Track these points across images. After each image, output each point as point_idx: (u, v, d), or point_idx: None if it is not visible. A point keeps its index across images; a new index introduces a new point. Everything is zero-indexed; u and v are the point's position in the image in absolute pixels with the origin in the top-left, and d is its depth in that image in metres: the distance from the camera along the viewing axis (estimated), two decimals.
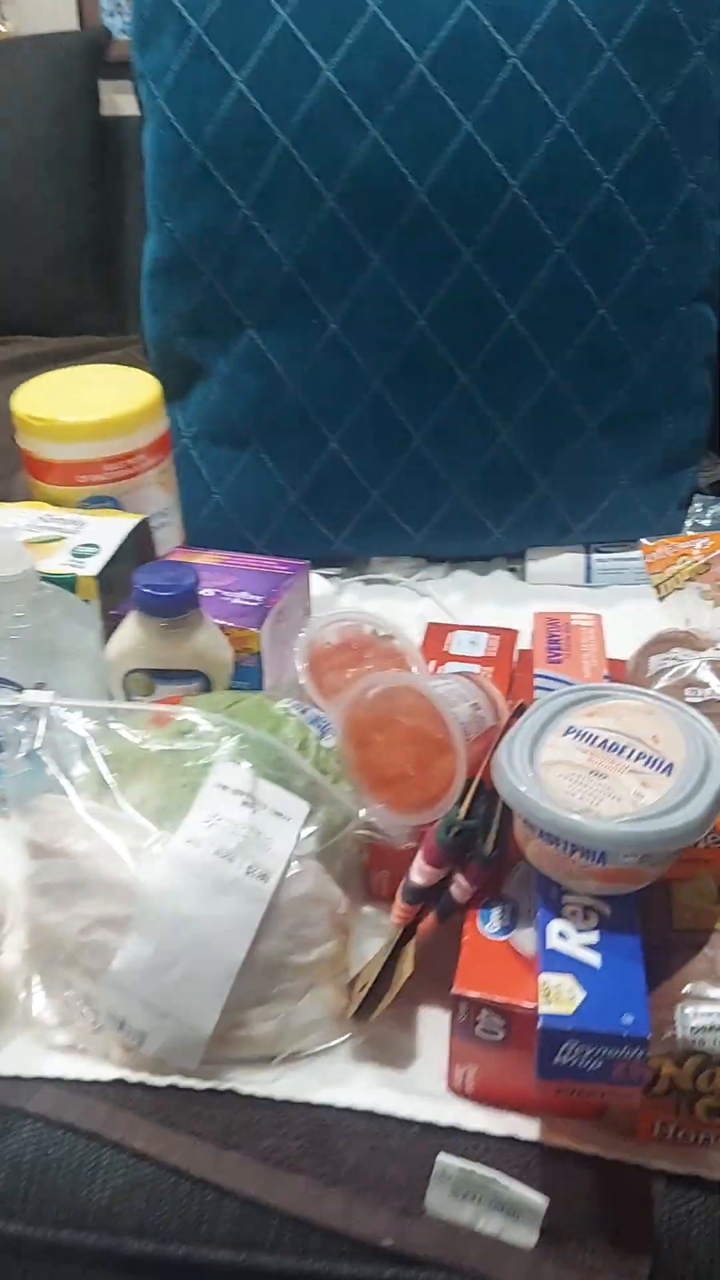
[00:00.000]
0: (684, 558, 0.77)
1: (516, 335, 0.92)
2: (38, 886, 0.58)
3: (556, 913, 0.51)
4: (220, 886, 0.54)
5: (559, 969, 0.49)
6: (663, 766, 0.52)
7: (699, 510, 0.98)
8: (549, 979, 0.48)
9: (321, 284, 0.92)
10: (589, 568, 1.00)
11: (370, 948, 0.61)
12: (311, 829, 0.58)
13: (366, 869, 0.65)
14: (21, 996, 0.59)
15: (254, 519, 0.99)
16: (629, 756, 0.53)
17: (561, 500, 0.98)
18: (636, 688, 0.57)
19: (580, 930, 0.50)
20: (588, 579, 1.00)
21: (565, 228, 0.89)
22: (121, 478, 0.83)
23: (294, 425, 0.95)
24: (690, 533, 0.93)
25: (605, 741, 0.53)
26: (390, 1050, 0.57)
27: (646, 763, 0.52)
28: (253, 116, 0.88)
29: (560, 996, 0.47)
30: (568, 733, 0.55)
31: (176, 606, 0.67)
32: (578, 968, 0.49)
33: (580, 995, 0.47)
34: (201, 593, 0.73)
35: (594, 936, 0.50)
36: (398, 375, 0.94)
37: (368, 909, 0.65)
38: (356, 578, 1.01)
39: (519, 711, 0.58)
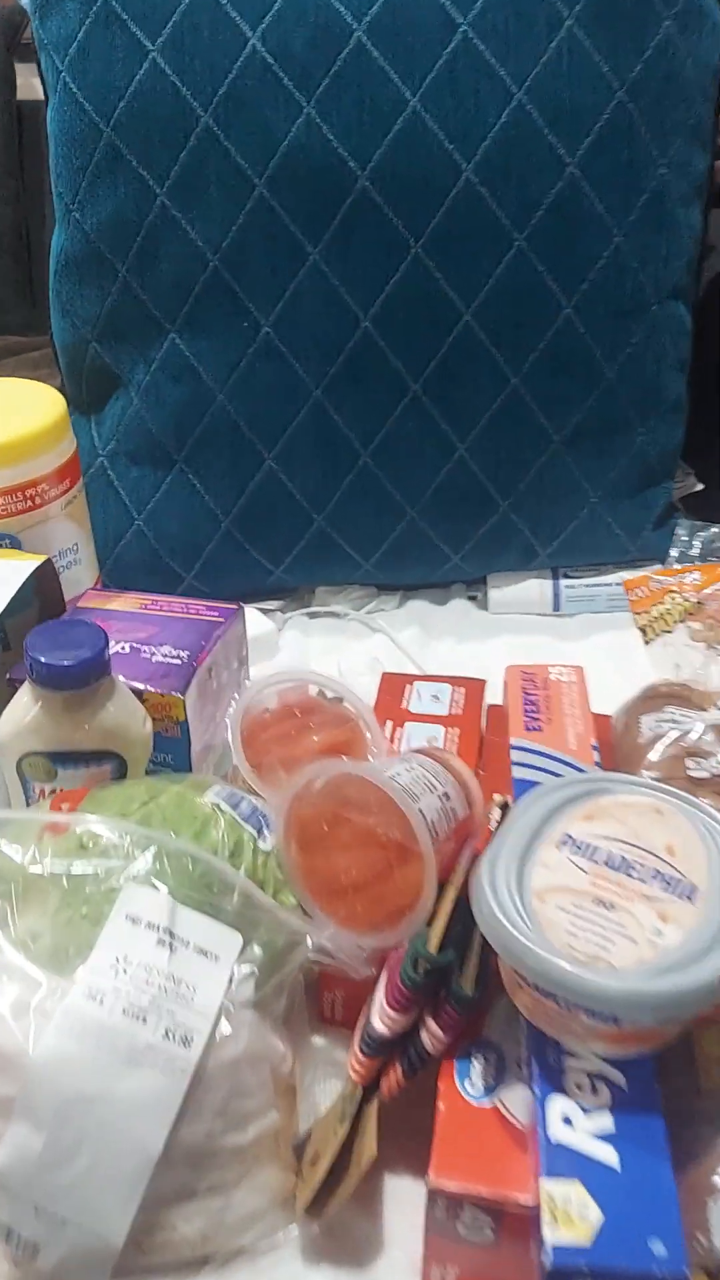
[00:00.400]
0: (672, 595, 0.67)
1: (473, 338, 0.81)
2: None
3: (557, 1085, 0.41)
4: (131, 1056, 0.43)
5: (566, 1172, 0.38)
6: (683, 890, 0.41)
7: (684, 538, 0.88)
8: (555, 1188, 0.37)
9: (252, 281, 0.81)
10: (557, 595, 0.90)
11: (322, 1092, 0.51)
12: (247, 969, 0.47)
13: (316, 990, 0.54)
14: None
15: (182, 549, 0.87)
16: (641, 877, 0.42)
17: (525, 521, 0.88)
18: (641, 780, 0.46)
19: (589, 1110, 0.40)
20: (556, 607, 0.90)
21: (524, 217, 0.79)
22: (21, 511, 0.71)
23: (225, 441, 0.84)
24: (677, 565, 0.83)
25: (611, 857, 0.43)
26: (350, 1242, 0.46)
27: (663, 885, 0.42)
28: (169, 91, 0.76)
29: (570, 1215, 0.36)
30: (564, 844, 0.44)
31: (80, 678, 0.55)
32: (590, 1170, 0.38)
33: (596, 1214, 0.36)
34: (114, 650, 0.62)
35: (607, 1121, 0.39)
36: (341, 383, 0.82)
37: (319, 1039, 0.54)
38: (299, 611, 0.90)
39: (502, 809, 0.48)
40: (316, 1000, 0.55)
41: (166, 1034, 0.43)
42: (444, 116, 0.77)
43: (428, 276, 0.80)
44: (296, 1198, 0.45)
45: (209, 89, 0.76)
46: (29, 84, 1.47)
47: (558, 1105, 0.40)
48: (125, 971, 0.44)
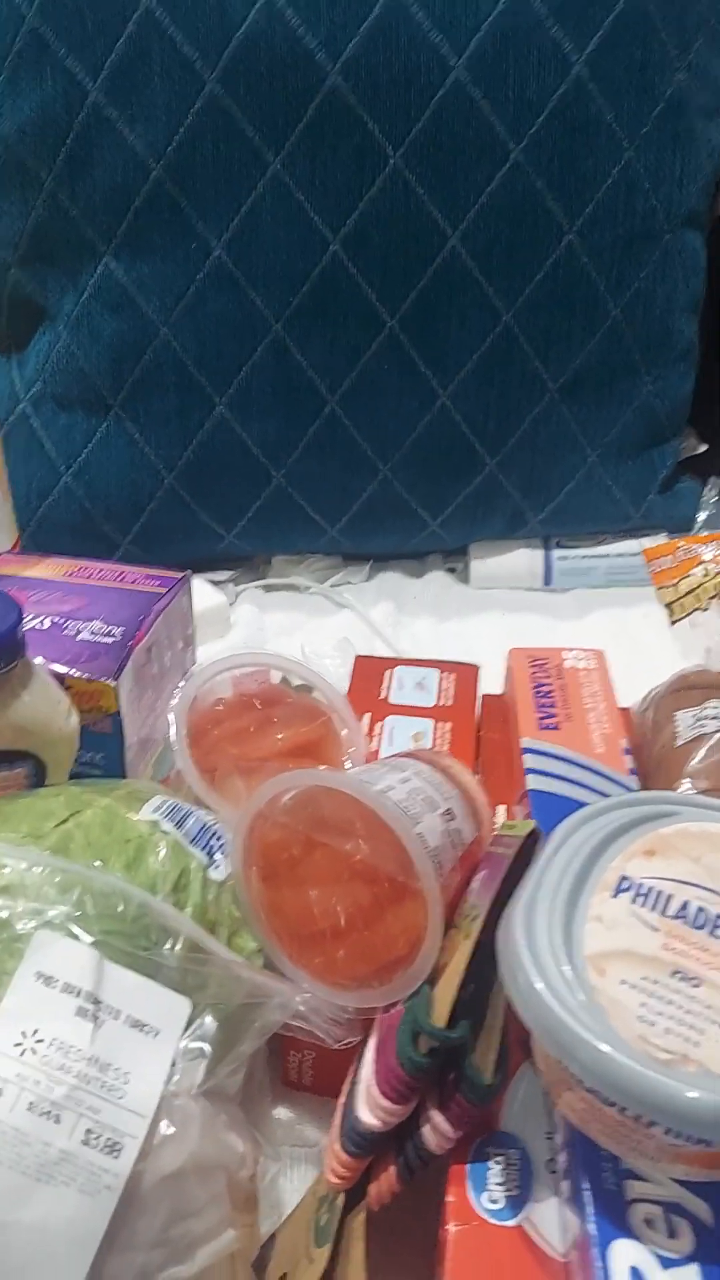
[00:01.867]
0: (700, 566, 0.57)
1: (459, 265, 0.70)
2: None
3: (621, 1224, 0.30)
4: (40, 1170, 0.32)
5: None
6: None
7: (714, 499, 0.77)
8: None
9: (200, 194, 0.69)
10: (549, 567, 0.80)
11: (288, 1182, 0.40)
12: (196, 1045, 0.36)
13: (280, 1050, 0.44)
14: None
15: (118, 509, 0.75)
16: None
17: (515, 482, 0.77)
18: (714, 803, 0.36)
19: (669, 1262, 0.29)
20: (547, 581, 0.80)
21: (522, 124, 0.68)
22: None
23: (169, 383, 0.72)
24: (705, 532, 0.73)
25: (688, 909, 0.32)
26: None
27: None
28: None
29: None
30: (622, 891, 0.33)
31: None
32: None
33: None
34: (30, 626, 0.51)
35: (693, 1276, 0.29)
36: (305, 317, 0.71)
37: (282, 1111, 0.44)
38: (254, 583, 0.79)
39: (530, 838, 0.37)
40: (280, 1062, 0.44)
41: (87, 1139, 0.32)
42: (429, 3, 0.65)
43: (408, 192, 0.69)
44: None
45: None
46: None
47: (624, 1254, 0.29)
48: (34, 1052, 0.33)
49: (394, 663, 0.59)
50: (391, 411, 0.74)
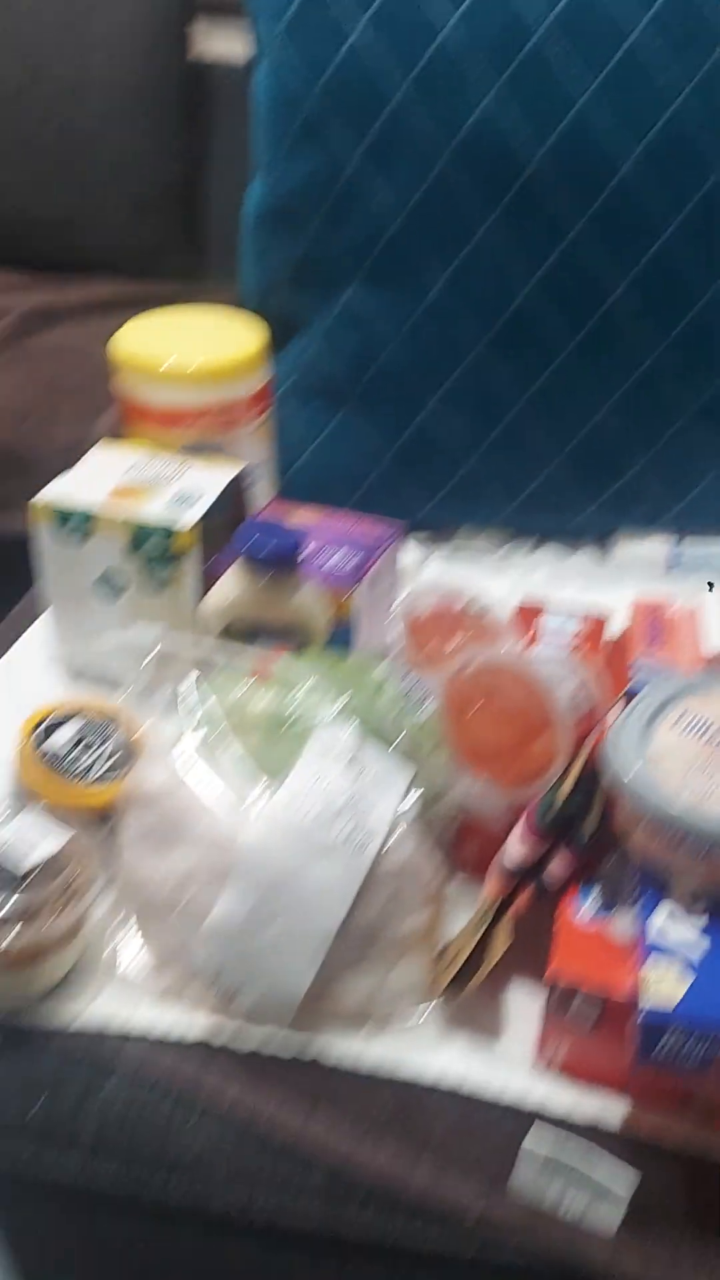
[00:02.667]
0: None
1: (621, 312, 0.90)
2: (136, 837, 0.58)
3: (660, 901, 0.51)
4: (320, 850, 0.54)
5: (662, 959, 0.48)
6: None
7: None
8: (651, 968, 0.48)
9: (428, 245, 0.91)
10: (676, 555, 0.98)
11: (457, 920, 0.61)
12: (412, 798, 0.57)
13: (455, 841, 0.65)
14: (110, 949, 0.59)
15: (345, 479, 0.98)
16: None
17: (656, 482, 0.96)
18: None
19: (686, 917, 0.50)
20: (674, 566, 0.99)
21: (676, 209, 0.87)
22: (221, 427, 0.82)
23: (392, 386, 0.94)
24: None
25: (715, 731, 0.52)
26: (479, 1022, 0.57)
27: None
28: (374, 62, 0.86)
29: (662, 987, 0.47)
30: (680, 722, 0.54)
31: (284, 562, 0.66)
32: (681, 955, 0.48)
33: (684, 985, 0.46)
34: None
35: (701, 922, 0.49)
36: (499, 343, 0.92)
37: (455, 883, 0.65)
38: (442, 547, 1.00)
39: (628, 697, 0.57)
40: (455, 852, 0.65)
41: (349, 837, 0.55)
42: (611, 112, 0.85)
43: (586, 255, 0.88)
44: (436, 982, 0.56)
45: (408, 64, 0.86)
46: (200, 43, 1.57)
47: (660, 913, 0.50)
48: (318, 788, 0.55)
49: (545, 609, 0.80)
50: (561, 420, 0.94)
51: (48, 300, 1.58)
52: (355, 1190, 0.51)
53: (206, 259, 1.63)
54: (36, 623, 0.87)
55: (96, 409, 1.32)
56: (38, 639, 0.85)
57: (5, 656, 0.84)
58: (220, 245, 1.57)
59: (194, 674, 0.61)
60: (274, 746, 0.58)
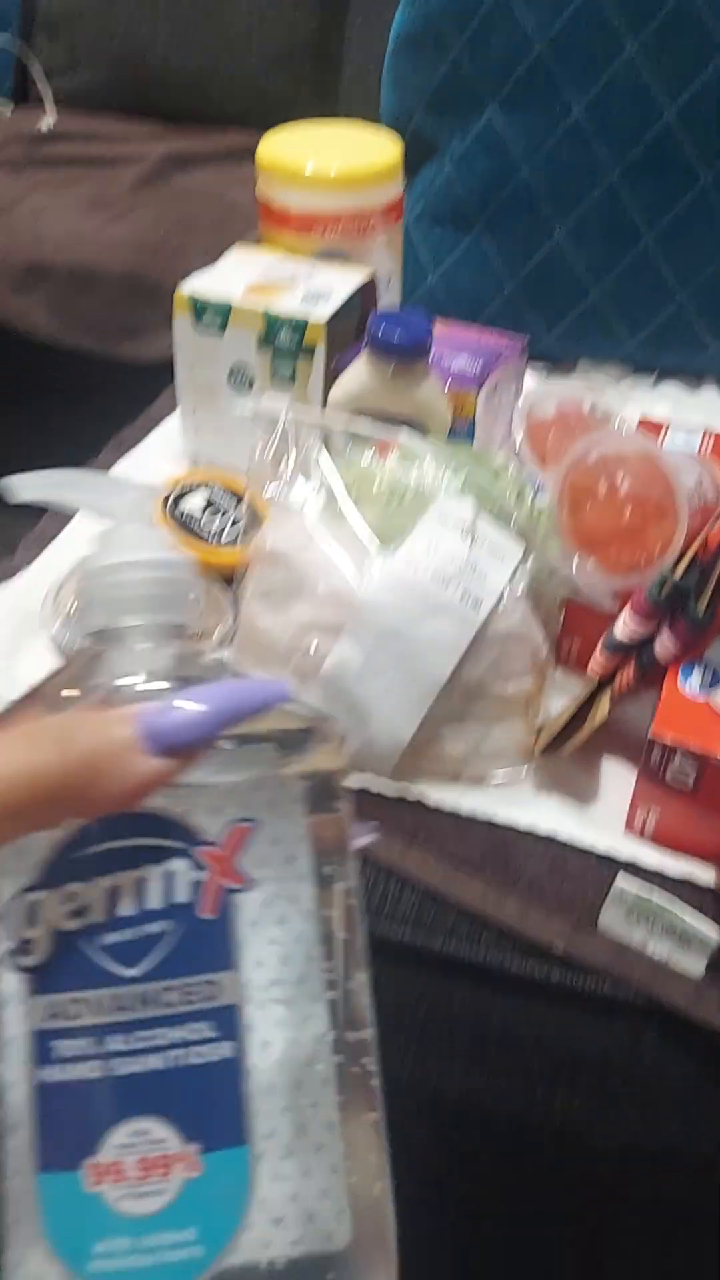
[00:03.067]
0: None
1: None
2: (259, 592, 0.61)
3: None
4: (433, 608, 0.56)
5: None
6: None
7: None
8: None
9: (571, 68, 0.89)
10: None
11: (557, 708, 0.63)
12: (524, 570, 0.59)
13: (561, 631, 0.67)
14: None
15: (467, 306, 0.98)
16: None
17: None
18: None
19: None
20: None
21: None
22: (355, 234, 0.83)
23: (521, 211, 0.93)
24: None
25: None
26: (573, 788, 0.59)
27: None
28: None
29: None
30: None
31: (412, 351, 0.67)
32: None
33: None
34: None
35: None
36: (637, 169, 0.90)
37: (557, 676, 0.67)
38: (563, 378, 1.00)
39: None
40: (556, 646, 0.67)
41: (462, 597, 0.57)
42: None
43: None
44: (535, 745, 0.59)
45: None
46: None
47: None
48: (435, 551, 0.58)
49: (667, 426, 0.80)
50: (696, 251, 0.92)
51: (184, 147, 1.60)
52: (444, 917, 0.54)
53: (337, 114, 1.62)
54: (167, 421, 0.90)
55: (224, 246, 1.34)
56: (168, 435, 0.88)
57: (137, 450, 0.87)
58: (353, 100, 1.56)
59: (319, 446, 0.63)
60: (393, 517, 0.60)
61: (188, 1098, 0.23)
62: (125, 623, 0.26)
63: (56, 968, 0.23)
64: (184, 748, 0.22)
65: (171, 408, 0.95)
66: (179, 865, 0.24)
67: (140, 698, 0.23)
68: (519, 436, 0.70)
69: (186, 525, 0.65)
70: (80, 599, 0.26)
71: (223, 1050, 0.24)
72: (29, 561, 0.75)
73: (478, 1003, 0.54)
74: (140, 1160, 0.23)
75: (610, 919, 0.53)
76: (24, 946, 0.23)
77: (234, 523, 0.66)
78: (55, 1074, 0.23)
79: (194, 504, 0.67)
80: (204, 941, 0.24)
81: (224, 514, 0.67)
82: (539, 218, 0.93)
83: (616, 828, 0.58)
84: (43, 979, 0.23)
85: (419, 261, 0.98)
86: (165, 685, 0.25)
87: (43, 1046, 0.23)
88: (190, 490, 0.68)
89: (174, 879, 0.24)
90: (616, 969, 0.52)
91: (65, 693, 0.25)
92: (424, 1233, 0.67)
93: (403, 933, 0.54)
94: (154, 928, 0.24)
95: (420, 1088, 0.55)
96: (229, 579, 0.64)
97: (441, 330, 0.81)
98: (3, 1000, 0.23)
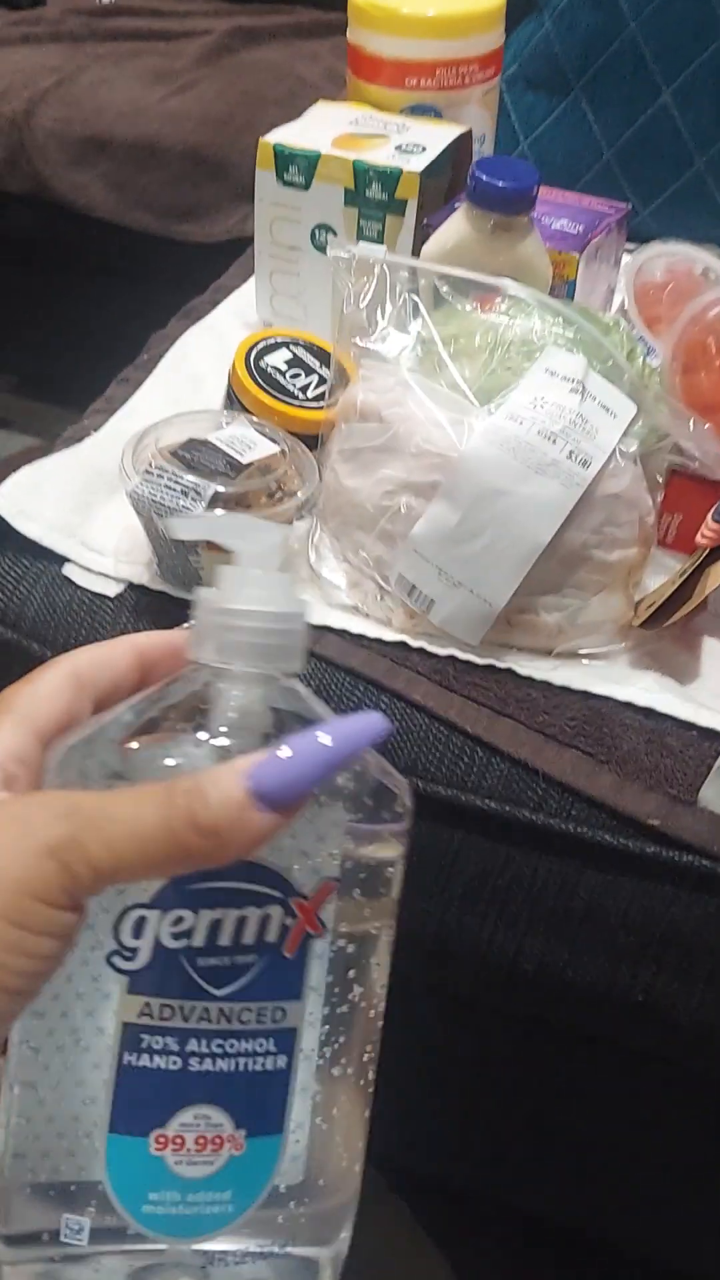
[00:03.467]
0: None
1: None
2: (345, 451, 0.58)
3: None
4: (538, 466, 0.53)
5: None
6: None
7: None
8: None
9: None
10: None
11: (654, 584, 0.60)
12: (635, 429, 0.56)
13: (656, 515, 0.63)
14: (311, 558, 0.60)
15: (560, 177, 0.91)
16: None
17: None
18: None
19: None
20: None
21: None
22: (450, 87, 0.78)
23: (626, 71, 0.87)
24: None
25: None
26: (672, 664, 0.57)
27: None
28: None
29: None
30: None
31: (517, 201, 0.63)
32: None
33: None
34: None
35: None
36: None
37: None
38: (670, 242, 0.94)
39: None
40: (655, 525, 0.64)
41: (570, 455, 0.53)
42: None
43: None
44: (635, 616, 0.56)
45: None
46: None
47: None
48: (542, 407, 0.54)
49: None
50: None
51: (251, 22, 1.53)
52: (532, 789, 0.52)
53: None
54: (239, 291, 0.86)
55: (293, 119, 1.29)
56: (240, 306, 0.84)
57: (206, 320, 0.84)
58: None
59: (415, 299, 0.59)
60: (495, 372, 0.56)
61: (244, 1095, 0.29)
62: (235, 667, 0.28)
63: (153, 975, 0.28)
64: (294, 802, 0.25)
65: (243, 278, 0.91)
66: (275, 911, 0.28)
67: (243, 751, 0.26)
68: (626, 298, 0.66)
69: (270, 380, 0.62)
70: (196, 628, 0.28)
71: (279, 1062, 0.29)
72: (98, 426, 0.73)
73: (564, 875, 0.52)
74: (198, 1138, 0.28)
75: (711, 795, 0.50)
76: (127, 952, 0.27)
77: (320, 381, 0.63)
78: (138, 1060, 0.28)
79: (277, 360, 0.64)
80: (281, 975, 0.29)
81: (309, 372, 0.64)
82: (645, 78, 0.87)
83: (718, 705, 0.55)
84: (139, 981, 0.28)
85: (510, 127, 0.93)
86: (266, 735, 0.28)
87: (133, 1036, 0.28)
88: (273, 347, 0.64)
89: (269, 922, 0.28)
90: (715, 845, 0.50)
91: (168, 762, 0.27)
92: (486, 1100, 0.66)
93: (488, 804, 0.52)
94: (244, 959, 0.28)
95: (498, 957, 0.54)
96: (313, 441, 0.61)
97: (541, 193, 0.76)
98: (105, 993, 0.28)
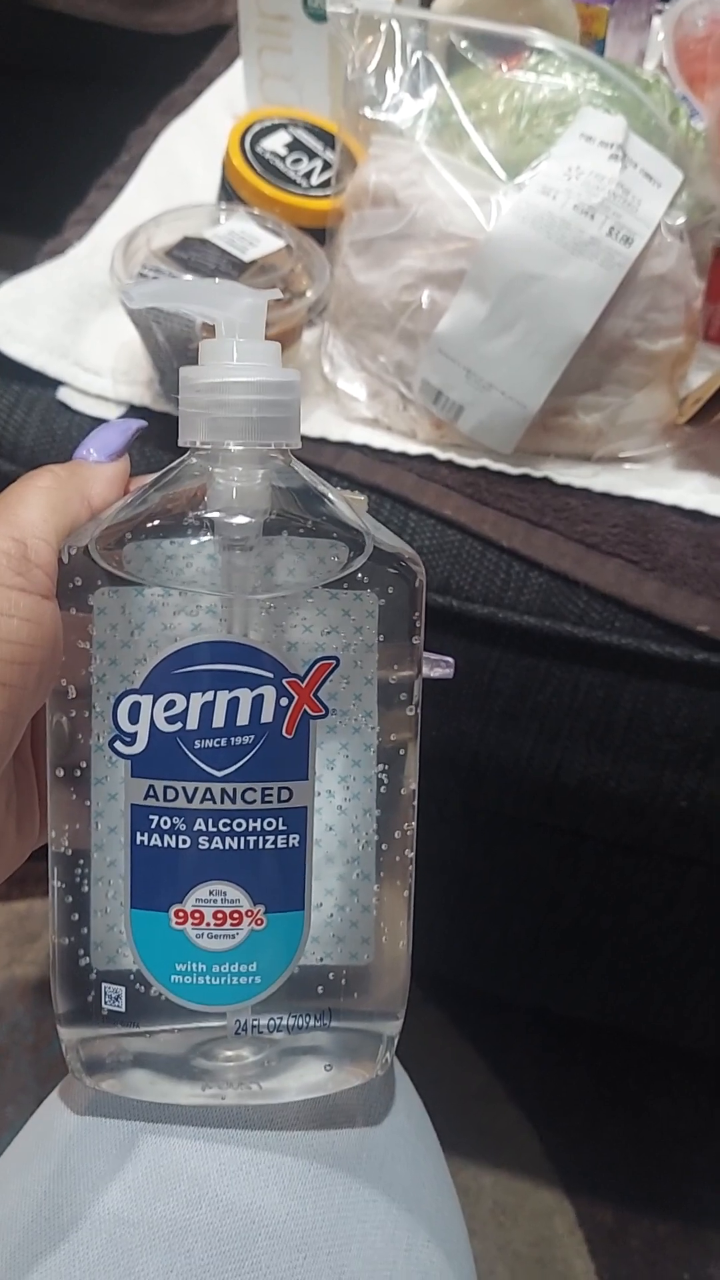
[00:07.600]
0: None
1: None
2: (357, 242, 0.53)
3: None
4: (576, 245, 0.48)
5: None
6: None
7: None
8: None
9: None
10: None
11: (698, 380, 0.56)
12: (682, 200, 0.50)
13: (704, 299, 0.58)
14: (325, 369, 0.56)
15: None
16: None
17: None
18: None
19: None
20: None
21: None
22: None
23: None
24: None
25: None
26: (716, 467, 0.53)
27: None
28: None
29: None
30: None
31: None
32: None
33: None
34: None
35: None
36: None
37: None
38: None
39: None
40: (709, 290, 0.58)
41: (611, 231, 0.48)
42: None
43: None
44: (680, 414, 0.52)
45: None
46: None
47: None
48: (578, 178, 0.48)
49: None
50: None
51: None
52: (574, 601, 0.49)
53: None
54: (223, 78, 0.78)
55: None
56: (226, 93, 0.76)
57: (190, 111, 0.76)
58: None
59: (429, 59, 0.53)
60: (523, 140, 0.50)
61: (258, 872, 0.29)
62: (228, 446, 0.28)
63: (154, 758, 0.29)
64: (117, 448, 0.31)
65: (227, 64, 0.83)
66: (268, 691, 0.28)
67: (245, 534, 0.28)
68: (665, 53, 0.58)
69: (269, 168, 0.56)
70: (182, 408, 0.28)
71: (291, 840, 0.29)
72: (80, 237, 0.67)
73: (607, 688, 0.49)
74: (216, 912, 0.29)
75: None
76: (126, 737, 0.29)
77: (324, 166, 0.57)
78: (149, 839, 0.29)
79: (275, 144, 0.57)
80: (283, 755, 0.29)
81: (312, 156, 0.57)
82: None
83: None
84: (141, 764, 0.29)
85: None
86: (261, 516, 0.28)
87: (141, 817, 0.29)
88: (270, 129, 0.58)
89: (262, 702, 0.28)
90: None
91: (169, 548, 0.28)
92: (523, 910, 0.66)
93: (527, 620, 0.49)
94: (241, 740, 0.28)
95: (539, 773, 0.52)
96: (321, 235, 0.55)
97: None
98: (121, 778, 0.29)
